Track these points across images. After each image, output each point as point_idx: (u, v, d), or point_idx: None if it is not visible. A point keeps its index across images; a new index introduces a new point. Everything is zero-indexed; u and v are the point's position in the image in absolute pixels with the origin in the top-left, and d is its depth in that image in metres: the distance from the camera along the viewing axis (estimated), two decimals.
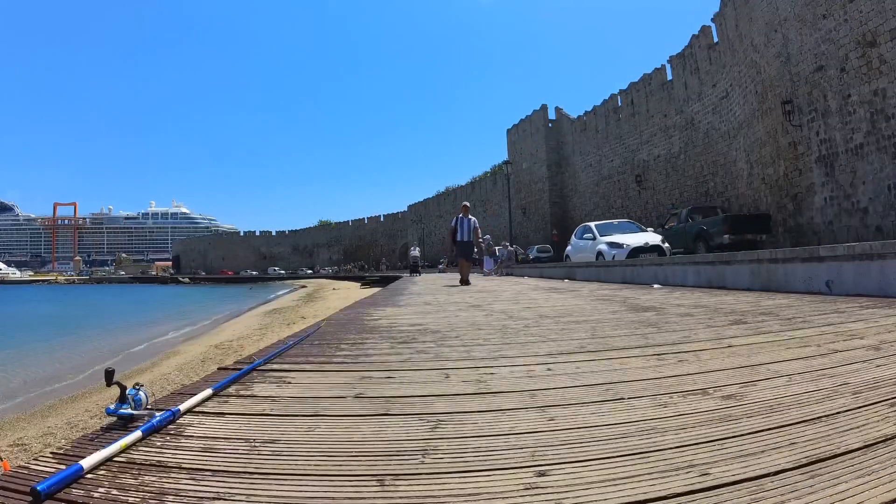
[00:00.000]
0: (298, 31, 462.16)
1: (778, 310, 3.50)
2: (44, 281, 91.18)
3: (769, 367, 1.77)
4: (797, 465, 0.95)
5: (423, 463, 1.07)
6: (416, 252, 22.86)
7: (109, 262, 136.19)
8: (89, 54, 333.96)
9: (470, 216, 10.78)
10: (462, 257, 10.87)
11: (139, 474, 1.04)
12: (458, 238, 10.64)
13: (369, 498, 0.92)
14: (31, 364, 9.29)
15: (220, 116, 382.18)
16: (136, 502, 0.92)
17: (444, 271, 29.93)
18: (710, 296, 5.03)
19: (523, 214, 37.55)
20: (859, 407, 1.27)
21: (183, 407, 1.46)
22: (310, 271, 69.26)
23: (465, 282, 10.44)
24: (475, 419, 1.35)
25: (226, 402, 1.60)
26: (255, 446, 1.19)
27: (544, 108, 36.65)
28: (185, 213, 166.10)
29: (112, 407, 1.41)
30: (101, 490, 0.97)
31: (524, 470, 1.01)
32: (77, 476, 1.01)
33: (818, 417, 1.21)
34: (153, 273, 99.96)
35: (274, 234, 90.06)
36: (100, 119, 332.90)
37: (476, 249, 15.19)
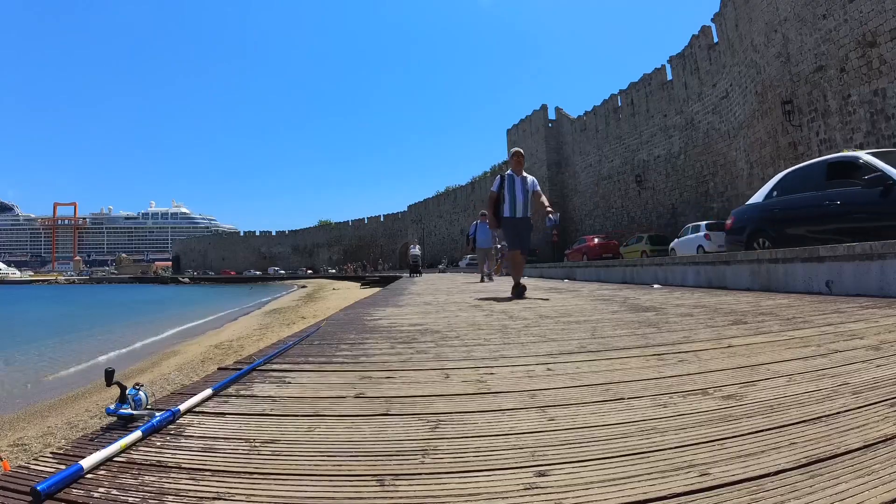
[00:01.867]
0: (299, 32, 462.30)
1: (778, 310, 3.50)
2: (44, 281, 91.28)
3: (769, 367, 1.77)
4: (797, 465, 0.95)
5: (423, 463, 1.07)
6: (416, 251, 21.82)
7: (109, 262, 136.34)
8: (90, 54, 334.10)
9: (526, 174, 6.28)
10: (517, 246, 6.20)
11: (139, 474, 1.04)
12: (507, 212, 6.08)
13: (369, 498, 0.92)
14: (31, 364, 9.29)
15: (221, 117, 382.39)
16: (136, 502, 0.92)
17: (444, 271, 29.80)
18: (710, 296, 5.03)
19: None
20: (859, 407, 1.27)
21: (183, 407, 1.46)
22: (310, 271, 69.19)
23: (520, 290, 6.03)
24: (475, 419, 1.35)
25: (226, 402, 1.60)
26: (255, 446, 1.19)
27: (544, 108, 36.67)
28: (185, 214, 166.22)
29: (112, 407, 1.41)
30: (101, 490, 0.97)
31: (524, 470, 1.01)
32: (77, 476, 1.01)
33: (818, 417, 1.21)
34: (153, 273, 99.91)
35: (274, 234, 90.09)
36: (100, 119, 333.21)
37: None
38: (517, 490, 0.92)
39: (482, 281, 11.10)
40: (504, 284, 9.95)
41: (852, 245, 4.45)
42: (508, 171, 6.30)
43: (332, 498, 0.93)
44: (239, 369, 2.02)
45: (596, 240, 22.79)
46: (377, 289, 18.62)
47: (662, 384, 1.62)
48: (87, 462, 1.05)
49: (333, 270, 65.00)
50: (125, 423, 1.37)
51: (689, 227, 17.22)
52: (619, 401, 1.46)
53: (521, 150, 6.53)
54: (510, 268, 6.58)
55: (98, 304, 29.94)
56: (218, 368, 2.25)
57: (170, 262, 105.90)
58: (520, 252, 6.25)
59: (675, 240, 17.65)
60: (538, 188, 6.34)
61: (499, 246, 13.51)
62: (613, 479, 0.94)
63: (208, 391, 1.64)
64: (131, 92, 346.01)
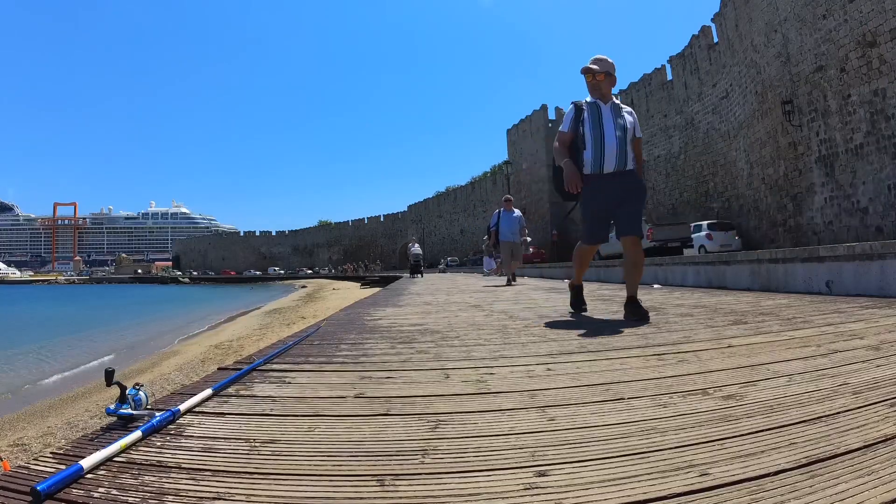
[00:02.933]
0: (299, 31, 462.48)
1: (778, 310, 3.49)
2: (44, 281, 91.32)
3: (769, 367, 1.77)
4: (797, 465, 0.95)
5: (423, 463, 1.07)
6: (417, 249, 20.35)
7: (109, 262, 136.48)
8: (90, 54, 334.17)
9: (621, 104, 3.55)
10: (601, 233, 3.56)
11: (139, 474, 1.04)
12: (590, 165, 3.40)
13: (369, 498, 0.92)
14: (31, 364, 9.29)
15: (221, 117, 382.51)
16: (136, 502, 0.92)
17: (444, 271, 29.79)
18: (710, 296, 5.03)
19: (523, 214, 37.54)
20: (859, 407, 1.27)
21: (183, 407, 1.45)
22: (310, 271, 69.21)
23: (637, 309, 3.29)
24: (475, 419, 1.35)
25: (226, 402, 1.60)
26: (255, 446, 1.19)
27: (544, 108, 36.71)
28: (185, 213, 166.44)
29: (112, 407, 1.40)
30: (101, 490, 0.97)
31: (524, 470, 1.00)
32: (77, 476, 1.01)
33: (818, 417, 1.21)
34: (153, 273, 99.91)
35: (274, 234, 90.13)
36: (100, 119, 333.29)
37: (523, 239, 10.25)
38: (517, 490, 0.92)
39: (508, 284, 9.56)
40: (502, 284, 9.82)
41: (852, 245, 4.45)
42: (587, 99, 3.55)
43: (332, 498, 0.93)
44: (239, 369, 2.02)
45: (531, 249, 28.86)
46: (377, 289, 18.62)
47: (662, 384, 1.62)
48: (87, 462, 1.05)
49: (334, 271, 64.92)
50: (125, 423, 1.36)
51: (692, 226, 17.23)
52: (619, 401, 1.46)
53: (608, 58, 3.52)
54: (575, 265, 3.92)
55: (97, 306, 29.93)
56: (218, 368, 2.25)
57: (170, 262, 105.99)
58: (634, 238, 3.44)
59: None
60: (639, 130, 3.57)
61: (528, 239, 11.11)
62: (613, 479, 0.94)
63: (208, 391, 1.64)
64: (131, 92, 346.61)
